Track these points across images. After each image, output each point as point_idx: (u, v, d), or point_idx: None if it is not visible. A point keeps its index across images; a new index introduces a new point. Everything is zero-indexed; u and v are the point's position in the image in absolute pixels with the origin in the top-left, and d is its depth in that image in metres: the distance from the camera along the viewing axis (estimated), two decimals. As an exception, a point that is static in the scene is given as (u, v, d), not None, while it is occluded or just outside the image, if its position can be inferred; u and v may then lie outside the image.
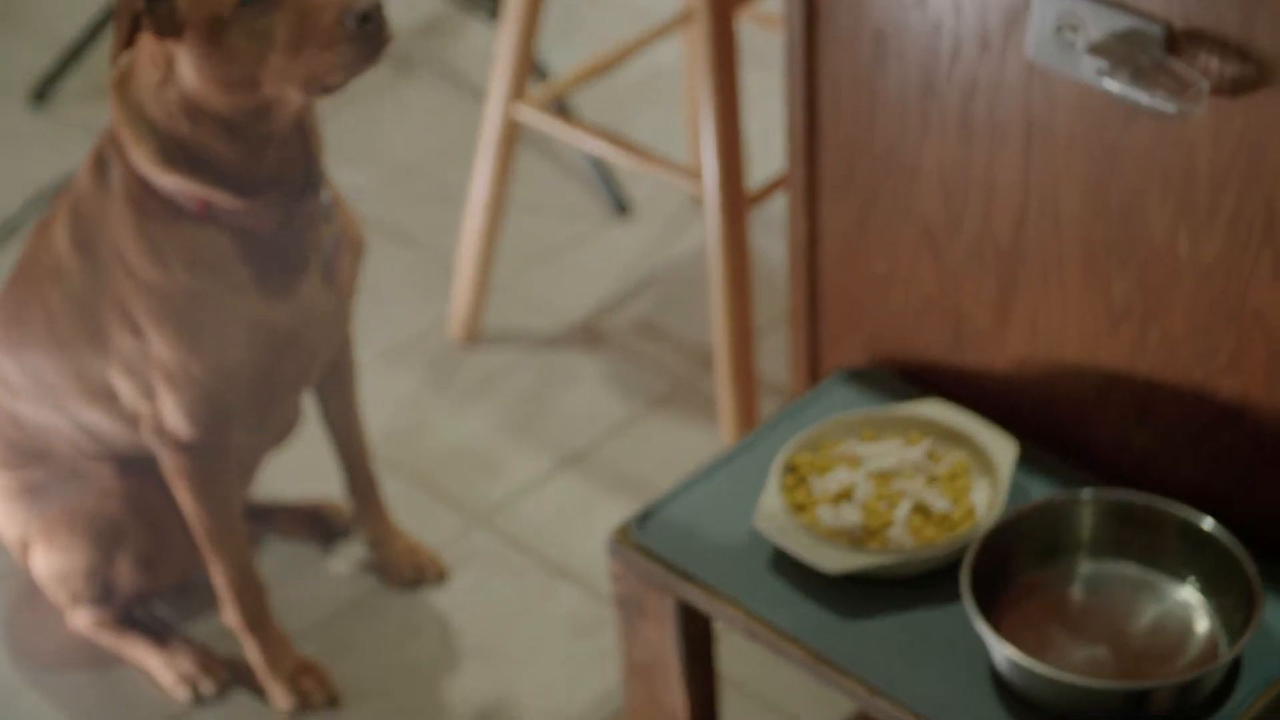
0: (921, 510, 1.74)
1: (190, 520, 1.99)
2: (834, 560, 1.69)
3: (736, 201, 2.25)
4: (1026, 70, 1.67)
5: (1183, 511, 1.65)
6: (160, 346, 1.85)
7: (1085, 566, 1.69)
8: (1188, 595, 1.65)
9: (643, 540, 1.77)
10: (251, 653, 2.08)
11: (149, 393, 1.89)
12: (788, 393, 2.36)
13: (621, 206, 2.82)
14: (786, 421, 1.88)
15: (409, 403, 2.50)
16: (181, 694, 2.11)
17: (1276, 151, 1.54)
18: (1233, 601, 1.61)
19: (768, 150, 2.78)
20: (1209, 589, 1.64)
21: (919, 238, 1.84)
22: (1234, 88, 1.54)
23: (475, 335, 2.59)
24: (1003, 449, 1.77)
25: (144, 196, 1.82)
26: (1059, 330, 1.78)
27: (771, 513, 1.74)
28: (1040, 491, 1.77)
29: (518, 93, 2.41)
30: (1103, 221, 1.69)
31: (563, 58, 3.04)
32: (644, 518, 1.79)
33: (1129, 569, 1.68)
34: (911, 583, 1.71)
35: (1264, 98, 1.53)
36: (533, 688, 2.12)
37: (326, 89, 1.76)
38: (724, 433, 2.33)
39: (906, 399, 1.89)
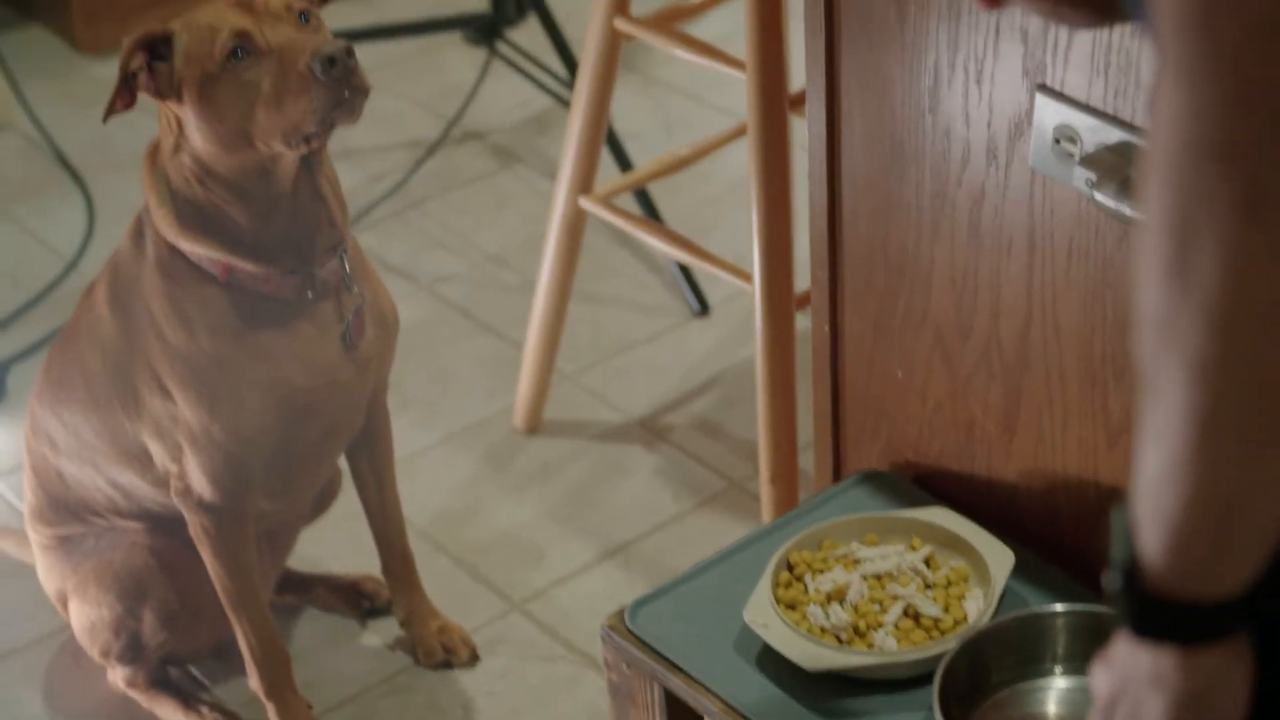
0: (912, 615, 1.74)
1: (214, 582, 2.04)
2: (814, 658, 1.69)
3: (782, 304, 2.27)
4: (1029, 179, 1.68)
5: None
6: (185, 409, 1.91)
7: (1060, 680, 1.67)
8: (1161, 715, 1.63)
9: (635, 628, 1.79)
10: (273, 719, 2.12)
11: (176, 454, 1.95)
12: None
13: (703, 306, 2.85)
14: (796, 520, 1.89)
15: (464, 486, 2.54)
16: None
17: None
18: None
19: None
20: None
21: (932, 344, 1.84)
22: (1221, 204, 1.53)
23: (538, 424, 2.62)
24: (1000, 559, 1.76)
25: (172, 262, 1.89)
26: (1061, 442, 1.77)
27: (761, 607, 1.74)
28: (1039, 604, 1.75)
29: (584, 185, 2.45)
30: (1100, 335, 1.68)
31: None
32: (639, 606, 1.80)
33: (1104, 685, 1.66)
34: (895, 687, 1.70)
35: (1249, 215, 1.52)
36: (546, 774, 2.14)
37: (307, 140, 1.82)
38: (765, 533, 2.34)
39: (916, 504, 1.88)
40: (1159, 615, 0.97)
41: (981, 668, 1.66)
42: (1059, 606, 1.67)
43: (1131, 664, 0.99)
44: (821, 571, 1.79)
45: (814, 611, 1.74)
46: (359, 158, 3.19)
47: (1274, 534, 0.94)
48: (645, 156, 3.07)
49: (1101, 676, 1.03)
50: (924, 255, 1.82)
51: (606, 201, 2.46)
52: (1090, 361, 1.70)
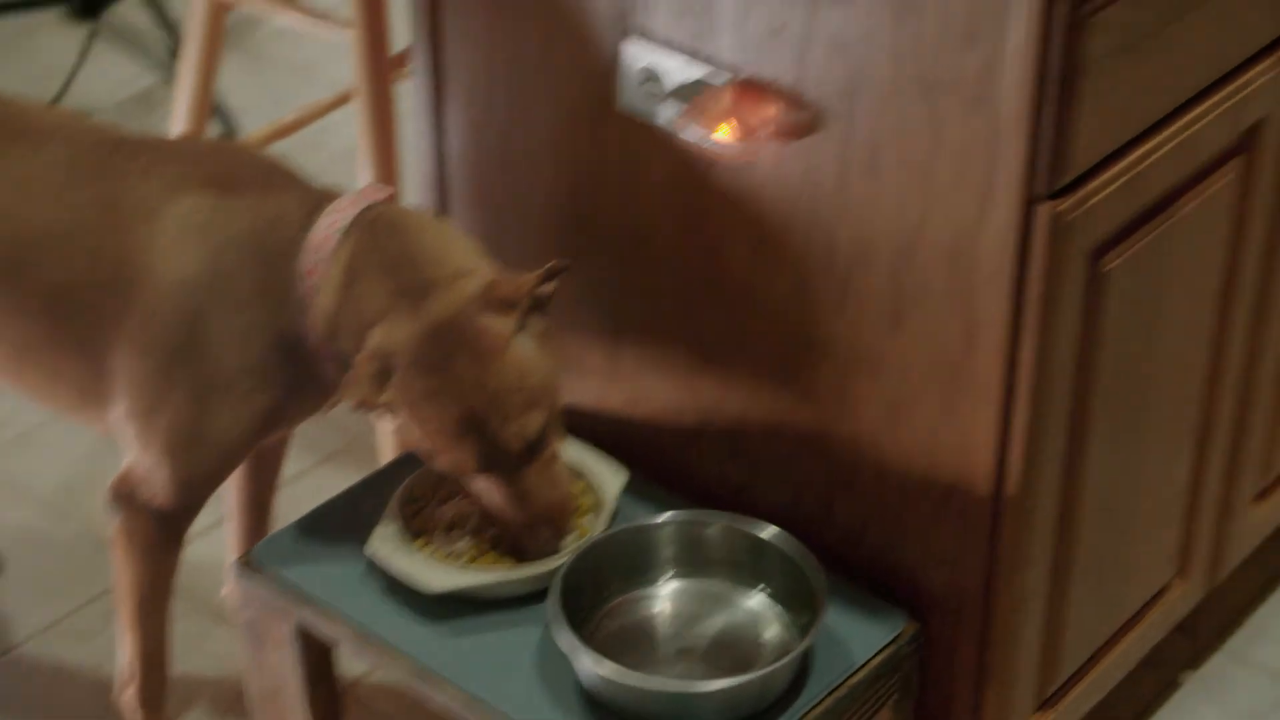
0: (532, 536, 1.83)
1: (121, 590, 1.92)
2: (435, 580, 1.77)
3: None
4: (621, 118, 1.79)
5: (750, 526, 1.77)
6: (188, 412, 1.81)
7: (670, 584, 1.79)
8: (760, 603, 1.77)
9: (265, 566, 1.84)
10: None
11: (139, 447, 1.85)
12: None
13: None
14: (413, 459, 1.97)
15: (85, 459, 2.54)
16: None
17: (832, 189, 1.67)
18: (800, 606, 1.73)
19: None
20: (779, 596, 1.76)
21: (539, 282, 1.94)
22: (794, 132, 1.67)
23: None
24: (612, 479, 1.87)
25: None
26: (661, 367, 1.89)
27: (386, 538, 1.82)
28: (648, 517, 1.86)
29: (193, 155, 2.48)
30: (695, 262, 1.81)
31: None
32: (268, 546, 1.86)
33: (708, 584, 1.79)
34: (516, 604, 1.80)
35: (819, 141, 1.66)
36: (183, 725, 2.17)
37: None
38: (388, 483, 2.40)
39: (531, 436, 1.98)
40: None
41: (596, 578, 1.77)
42: (664, 517, 1.79)
43: None
44: (445, 500, 1.87)
45: (438, 538, 1.83)
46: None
47: None
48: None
49: None
50: (525, 195, 1.92)
51: (217, 168, 2.49)
52: (686, 288, 1.82)
